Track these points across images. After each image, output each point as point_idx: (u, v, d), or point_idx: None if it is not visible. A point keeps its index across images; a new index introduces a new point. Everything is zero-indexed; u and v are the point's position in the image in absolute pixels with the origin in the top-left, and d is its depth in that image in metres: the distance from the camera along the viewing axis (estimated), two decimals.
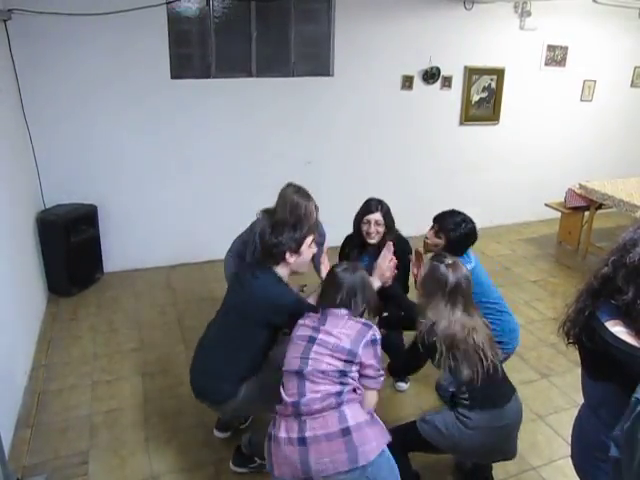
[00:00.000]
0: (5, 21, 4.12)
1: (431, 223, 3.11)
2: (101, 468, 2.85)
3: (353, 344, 2.13)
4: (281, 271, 2.58)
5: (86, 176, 4.89)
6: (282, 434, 2.07)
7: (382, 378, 2.23)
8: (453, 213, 3.06)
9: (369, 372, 2.17)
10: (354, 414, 2.05)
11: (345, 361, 2.11)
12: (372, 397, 2.23)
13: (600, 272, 1.59)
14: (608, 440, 1.60)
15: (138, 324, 4.32)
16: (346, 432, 2.00)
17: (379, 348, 2.20)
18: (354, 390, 2.12)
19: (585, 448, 1.71)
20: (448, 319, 2.26)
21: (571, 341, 1.70)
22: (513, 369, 3.71)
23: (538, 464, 2.92)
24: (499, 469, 2.78)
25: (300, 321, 2.33)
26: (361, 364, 2.14)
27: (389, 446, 2.13)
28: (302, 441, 2.01)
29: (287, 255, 2.54)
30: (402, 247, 3.22)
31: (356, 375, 2.14)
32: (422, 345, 2.29)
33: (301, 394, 2.08)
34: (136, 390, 3.51)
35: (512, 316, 3.12)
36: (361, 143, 5.83)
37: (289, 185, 3.33)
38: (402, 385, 3.54)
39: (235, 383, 2.50)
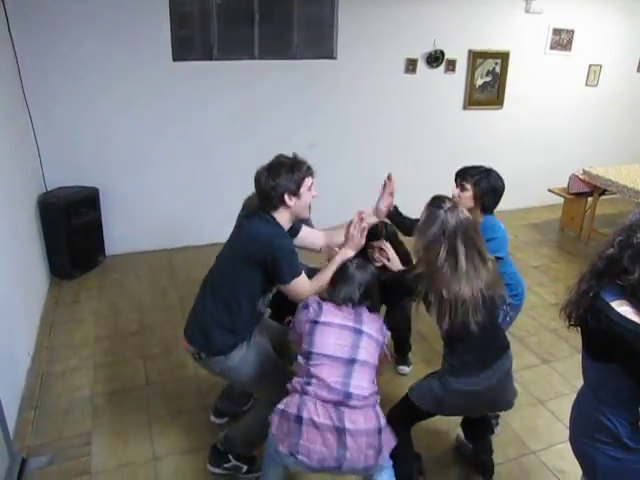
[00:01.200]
0: (2, 0, 4.07)
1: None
2: (104, 449, 2.88)
3: (383, 336, 2.26)
4: (280, 216, 2.45)
5: (87, 159, 4.87)
6: (320, 419, 1.99)
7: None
8: (473, 166, 2.93)
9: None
10: (382, 415, 2.13)
11: (378, 351, 2.22)
12: (388, 358, 2.45)
13: (605, 253, 1.59)
14: (607, 421, 1.61)
15: (140, 307, 4.33)
16: (380, 431, 2.06)
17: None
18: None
19: (584, 429, 1.72)
20: (449, 273, 2.13)
21: (572, 323, 1.71)
22: (514, 354, 3.69)
23: (538, 448, 2.94)
24: (499, 453, 2.81)
25: (327, 307, 2.23)
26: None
27: (390, 423, 2.21)
28: (341, 431, 1.98)
29: (286, 198, 2.40)
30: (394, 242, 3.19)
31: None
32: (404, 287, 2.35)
33: (346, 383, 2.05)
34: (138, 372, 3.53)
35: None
36: (364, 126, 5.80)
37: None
38: (404, 368, 3.56)
39: (224, 336, 2.42)
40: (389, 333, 2.37)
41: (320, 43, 5.49)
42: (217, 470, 2.72)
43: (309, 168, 2.52)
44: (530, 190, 6.78)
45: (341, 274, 2.34)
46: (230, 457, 2.70)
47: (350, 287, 2.27)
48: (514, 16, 6.04)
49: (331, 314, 2.20)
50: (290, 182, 2.41)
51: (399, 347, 3.59)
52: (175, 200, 5.30)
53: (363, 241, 2.60)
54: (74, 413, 3.14)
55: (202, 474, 2.74)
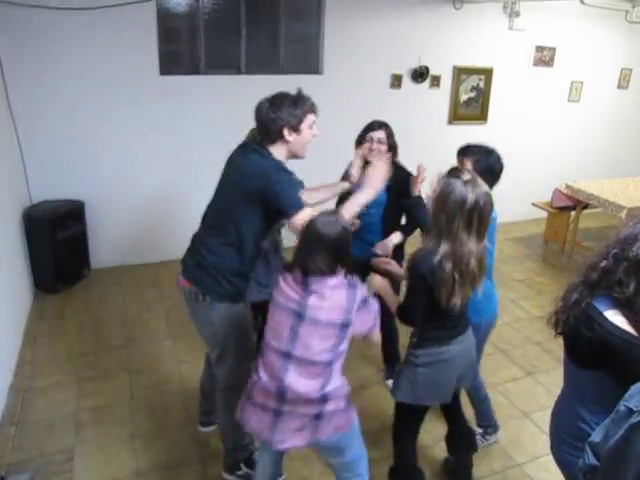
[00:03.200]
0: None
1: None
2: (86, 465, 2.84)
3: (346, 313, 1.97)
4: (277, 151, 2.35)
5: (73, 172, 4.85)
6: (259, 399, 2.05)
7: (377, 323, 2.14)
8: (475, 144, 2.94)
9: (364, 331, 2.11)
10: (334, 401, 2.03)
11: (338, 333, 1.98)
12: (376, 337, 2.20)
13: (599, 265, 1.62)
14: (589, 428, 1.63)
15: (125, 321, 4.30)
16: (319, 416, 2.01)
17: (369, 303, 2.09)
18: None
19: (565, 438, 1.73)
20: (460, 244, 2.06)
21: (559, 332, 1.73)
22: (498, 366, 3.76)
23: (522, 461, 2.96)
24: (484, 466, 2.82)
25: (281, 282, 2.04)
26: (356, 332, 2.06)
27: (395, 439, 2.39)
28: (278, 413, 2.01)
29: (285, 132, 2.31)
30: (403, 175, 3.14)
31: (347, 343, 2.03)
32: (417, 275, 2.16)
33: (282, 378, 1.97)
34: (122, 387, 3.49)
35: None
36: (350, 141, 5.82)
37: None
38: (391, 382, 3.55)
39: (233, 280, 2.38)
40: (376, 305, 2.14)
41: (306, 58, 5.54)
42: (231, 477, 2.73)
43: (313, 105, 2.44)
44: (514, 204, 6.83)
45: (304, 232, 2.04)
46: (242, 465, 2.71)
47: (312, 250, 1.97)
48: (498, 33, 6.14)
49: (280, 290, 2.03)
50: (291, 116, 2.33)
51: (388, 359, 3.59)
52: (161, 214, 5.28)
53: (381, 187, 2.54)
54: (56, 428, 3.10)
55: None
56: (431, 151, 6.25)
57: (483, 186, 2.13)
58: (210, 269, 2.39)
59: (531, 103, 6.64)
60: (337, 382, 2.03)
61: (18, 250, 4.29)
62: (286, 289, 2.01)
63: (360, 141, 3.12)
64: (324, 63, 5.49)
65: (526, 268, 5.60)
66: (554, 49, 6.50)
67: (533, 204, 6.27)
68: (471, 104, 6.29)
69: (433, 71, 5.91)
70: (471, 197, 2.04)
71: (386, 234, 3.15)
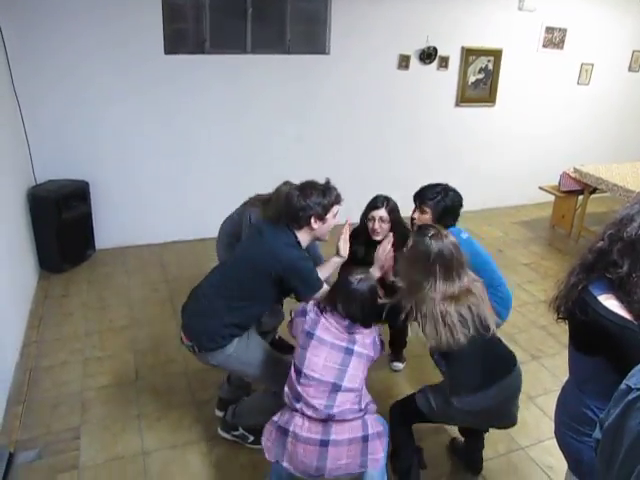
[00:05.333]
0: None
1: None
2: (93, 443, 2.87)
3: (375, 352, 2.29)
4: (302, 236, 2.52)
5: (78, 152, 4.84)
6: (304, 433, 2.11)
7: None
8: (431, 186, 2.96)
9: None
10: (373, 423, 2.19)
11: (369, 365, 2.28)
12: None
13: (596, 246, 1.60)
14: (592, 414, 1.62)
15: (130, 301, 4.31)
16: (365, 439, 2.13)
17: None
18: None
19: (569, 423, 1.73)
20: (425, 295, 2.19)
21: (561, 316, 1.71)
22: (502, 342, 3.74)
23: (526, 444, 2.96)
24: (489, 448, 2.82)
25: (322, 320, 2.27)
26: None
27: (390, 419, 2.44)
28: (325, 443, 2.08)
29: (312, 220, 2.47)
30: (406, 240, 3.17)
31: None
32: (393, 315, 2.30)
33: (330, 406, 2.12)
34: (128, 367, 3.51)
35: (505, 286, 3.05)
36: (356, 122, 5.80)
37: (285, 183, 3.18)
38: (398, 365, 3.57)
39: (226, 333, 2.48)
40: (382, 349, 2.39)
41: (313, 38, 5.47)
42: (227, 436, 2.88)
43: (338, 196, 2.57)
44: (521, 188, 6.81)
45: (343, 289, 2.31)
46: (239, 427, 2.85)
47: (350, 304, 2.26)
48: (507, 14, 6.04)
49: (326, 330, 2.24)
50: (319, 206, 2.47)
51: (396, 341, 3.59)
52: (166, 194, 5.28)
53: (389, 263, 2.73)
54: (63, 408, 3.12)
55: (192, 468, 2.74)
56: (439, 133, 6.23)
57: (448, 237, 2.29)
58: (210, 327, 2.49)
59: (540, 85, 6.55)
60: (368, 401, 2.27)
61: (23, 230, 4.29)
62: (333, 330, 2.25)
63: (363, 220, 3.13)
64: (331, 43, 5.42)
65: (532, 252, 5.58)
66: (565, 30, 6.40)
67: (540, 188, 6.22)
68: (479, 86, 6.22)
69: (441, 52, 5.84)
70: (435, 251, 2.21)
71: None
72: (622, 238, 1.53)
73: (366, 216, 3.12)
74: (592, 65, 6.75)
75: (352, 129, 5.80)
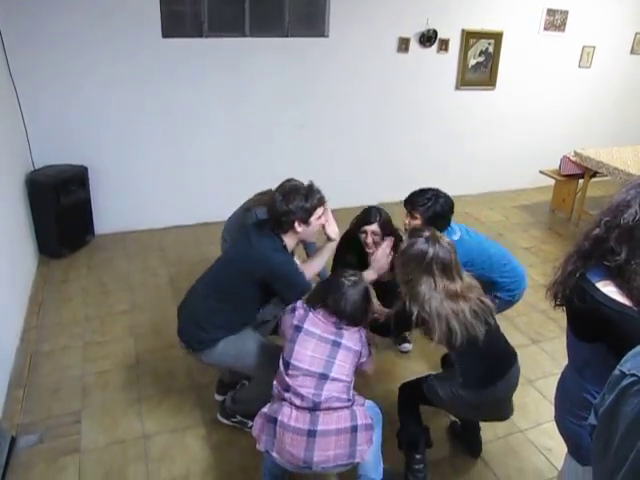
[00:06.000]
0: None
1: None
2: (93, 427, 2.88)
3: (362, 346, 2.31)
4: (288, 240, 2.56)
5: (76, 136, 4.81)
6: (292, 423, 2.11)
7: (372, 357, 2.45)
8: (422, 191, 2.95)
9: (364, 360, 2.36)
10: (361, 414, 2.20)
11: (356, 361, 2.29)
12: (368, 369, 2.45)
13: (592, 233, 1.58)
14: (592, 398, 1.62)
15: (129, 286, 4.31)
16: (354, 429, 2.13)
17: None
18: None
19: (569, 407, 1.73)
20: (429, 294, 2.21)
21: (558, 303, 1.71)
22: (503, 334, 3.75)
23: (525, 427, 2.98)
24: (488, 431, 2.84)
25: (311, 314, 2.31)
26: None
27: (399, 397, 2.55)
28: (312, 433, 2.08)
29: (296, 225, 2.51)
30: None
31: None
32: (402, 321, 2.32)
33: (318, 394, 2.13)
34: (128, 351, 3.52)
35: (515, 263, 3.16)
36: (355, 105, 5.76)
37: (288, 180, 3.24)
38: (406, 346, 3.59)
39: (214, 334, 2.52)
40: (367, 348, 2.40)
41: (312, 21, 5.42)
42: (226, 421, 2.90)
43: (322, 198, 2.60)
44: (521, 172, 6.79)
45: (335, 289, 2.33)
46: (237, 415, 2.88)
47: (340, 303, 2.29)
48: None
49: (314, 323, 2.28)
50: (302, 210, 2.49)
51: None
52: (165, 179, 5.26)
53: (387, 266, 2.73)
54: (64, 392, 3.13)
55: (192, 452, 2.76)
56: (439, 117, 6.19)
57: (443, 239, 2.32)
58: (200, 329, 2.54)
59: (541, 69, 6.49)
60: (355, 394, 2.29)
61: (21, 215, 4.28)
62: (321, 324, 2.28)
63: (354, 231, 3.13)
64: (330, 26, 5.36)
65: (532, 236, 5.57)
66: (566, 13, 6.33)
67: (541, 171, 6.20)
68: (479, 69, 6.17)
69: (441, 35, 5.78)
70: (431, 251, 2.23)
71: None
72: (619, 225, 1.50)
73: (358, 227, 3.11)
74: (594, 48, 6.68)
75: (351, 112, 5.76)
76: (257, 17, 5.13)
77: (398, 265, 2.38)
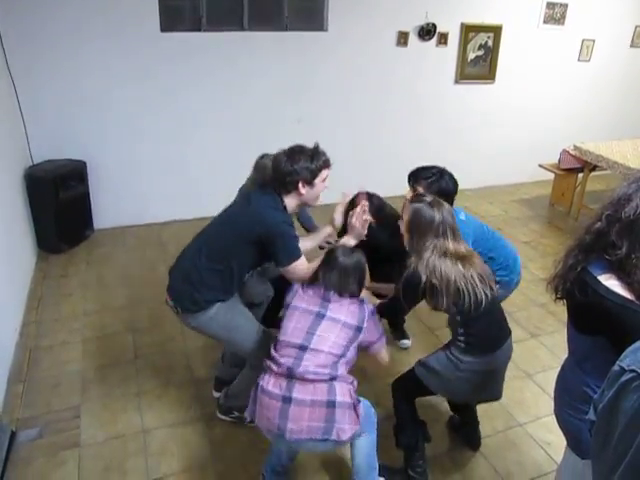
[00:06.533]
0: None
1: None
2: (93, 422, 2.88)
3: (359, 320, 2.23)
4: (289, 201, 2.49)
5: (75, 131, 4.80)
6: (269, 387, 2.11)
7: (384, 338, 2.37)
8: (426, 167, 2.91)
9: (374, 340, 2.30)
10: (342, 392, 2.12)
11: (352, 335, 2.20)
12: (383, 355, 2.39)
13: (593, 227, 1.58)
14: (592, 392, 1.62)
15: (128, 281, 4.31)
16: (330, 405, 2.07)
17: (376, 317, 2.33)
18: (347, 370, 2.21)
19: (569, 401, 1.73)
20: (439, 259, 2.20)
21: (559, 296, 1.70)
22: None
23: (524, 421, 2.98)
24: (486, 425, 2.84)
25: (301, 292, 2.31)
26: (366, 339, 2.27)
27: (393, 395, 2.50)
28: (287, 400, 2.06)
29: (300, 185, 2.44)
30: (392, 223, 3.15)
31: (355, 351, 2.22)
32: (411, 289, 2.26)
33: (297, 364, 2.11)
34: (127, 346, 3.52)
35: (509, 248, 3.13)
36: (354, 100, 5.74)
37: (262, 156, 3.20)
38: (405, 342, 3.58)
39: (206, 295, 2.47)
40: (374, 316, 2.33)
41: (311, 15, 5.40)
42: (225, 418, 2.90)
43: (327, 160, 2.53)
44: (521, 165, 6.78)
45: (326, 259, 2.33)
46: (234, 411, 2.87)
47: (333, 273, 2.27)
48: None
49: (300, 298, 2.28)
50: (307, 171, 2.43)
51: (393, 324, 3.61)
52: (164, 173, 5.25)
53: (365, 231, 2.66)
54: (63, 387, 3.13)
55: (191, 446, 2.76)
56: (438, 111, 6.18)
57: (445, 204, 2.33)
58: (192, 288, 2.48)
59: (540, 62, 6.48)
60: (344, 372, 2.19)
61: (20, 210, 4.27)
62: (307, 298, 2.28)
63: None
64: (329, 20, 5.35)
65: (531, 230, 5.57)
66: (566, 5, 6.31)
67: (540, 165, 6.19)
68: (479, 63, 6.16)
69: (440, 28, 5.77)
70: (438, 216, 2.25)
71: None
72: (620, 219, 1.50)
73: (352, 207, 3.07)
74: (593, 41, 6.67)
75: (350, 106, 5.75)
76: (256, 11, 5.11)
77: (405, 232, 2.36)
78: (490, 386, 2.42)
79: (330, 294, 2.25)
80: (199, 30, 4.97)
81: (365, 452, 2.31)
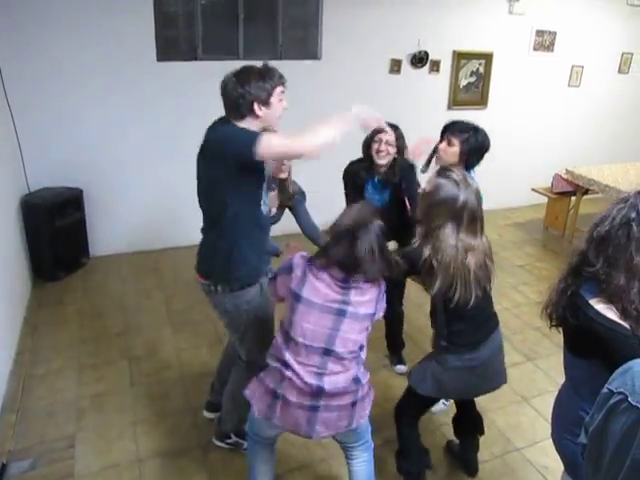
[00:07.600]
0: None
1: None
2: (88, 452, 2.85)
3: (376, 304, 2.10)
4: (248, 126, 2.29)
5: (71, 159, 4.82)
6: (293, 399, 2.02)
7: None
8: (462, 121, 2.88)
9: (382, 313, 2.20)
10: (363, 388, 2.13)
11: (368, 324, 2.09)
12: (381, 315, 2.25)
13: (579, 248, 1.61)
14: (586, 416, 1.62)
15: (124, 308, 4.30)
16: (354, 404, 2.10)
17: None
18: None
19: (566, 425, 1.73)
20: (448, 243, 2.09)
21: (554, 324, 1.72)
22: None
23: (522, 445, 2.97)
24: (484, 451, 2.82)
25: (314, 281, 2.02)
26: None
27: (396, 421, 2.51)
28: (314, 408, 2.03)
29: (255, 107, 2.25)
30: (407, 173, 3.14)
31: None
32: (410, 260, 2.20)
33: (321, 375, 2.00)
34: (122, 374, 3.50)
35: None
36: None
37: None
38: (401, 368, 3.57)
39: (242, 267, 2.36)
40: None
41: (305, 43, 5.49)
42: (221, 444, 2.85)
43: (281, 76, 2.38)
44: (514, 190, 6.83)
45: (340, 232, 2.06)
46: (231, 435, 2.82)
47: (349, 250, 2.00)
48: (498, 17, 6.07)
49: (314, 290, 2.02)
50: (260, 90, 2.26)
51: (392, 345, 3.60)
52: (161, 200, 5.26)
53: (374, 125, 2.65)
54: (58, 416, 3.10)
55: (187, 475, 2.73)
56: (431, 136, 6.22)
57: (472, 184, 2.17)
58: (218, 259, 2.41)
59: (531, 88, 6.59)
60: (362, 368, 2.14)
61: (16, 238, 4.27)
62: (323, 289, 2.02)
63: (369, 142, 3.10)
64: (322, 48, 5.44)
65: (526, 254, 5.59)
66: (554, 33, 6.44)
67: (533, 189, 6.25)
68: (471, 89, 6.25)
69: (433, 56, 5.86)
70: (462, 197, 2.10)
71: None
72: (593, 238, 1.55)
73: (371, 138, 3.09)
74: (582, 67, 6.79)
75: (344, 133, 5.79)
76: (251, 40, 5.19)
77: (420, 202, 2.24)
78: (487, 377, 2.39)
79: (350, 281, 2.02)
80: (195, 59, 5.04)
81: (364, 474, 2.30)
